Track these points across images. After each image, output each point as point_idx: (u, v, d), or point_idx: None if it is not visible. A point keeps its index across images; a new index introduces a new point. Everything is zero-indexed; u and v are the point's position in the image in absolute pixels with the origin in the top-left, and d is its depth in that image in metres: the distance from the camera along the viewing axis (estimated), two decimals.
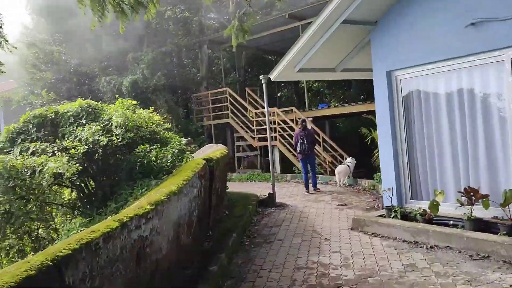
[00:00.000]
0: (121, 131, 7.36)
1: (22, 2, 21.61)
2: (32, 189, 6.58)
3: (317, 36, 8.00)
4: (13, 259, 7.60)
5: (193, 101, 22.20)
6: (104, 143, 7.11)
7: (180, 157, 8.49)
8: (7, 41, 6.01)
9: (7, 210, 6.46)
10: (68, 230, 6.40)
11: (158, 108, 18.51)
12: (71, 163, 6.52)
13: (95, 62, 20.41)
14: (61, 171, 6.34)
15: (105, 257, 3.55)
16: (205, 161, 7.15)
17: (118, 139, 7.30)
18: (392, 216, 7.39)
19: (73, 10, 17.20)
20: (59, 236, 6.75)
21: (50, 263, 2.93)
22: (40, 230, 7.89)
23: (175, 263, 5.24)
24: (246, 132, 18.61)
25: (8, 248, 7.50)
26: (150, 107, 9.83)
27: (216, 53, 24.49)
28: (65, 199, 8.47)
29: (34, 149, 7.05)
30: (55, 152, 7.06)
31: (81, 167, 6.93)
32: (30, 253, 7.67)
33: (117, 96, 12.14)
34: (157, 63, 19.29)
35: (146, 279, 4.33)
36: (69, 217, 7.82)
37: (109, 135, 7.39)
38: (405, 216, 7.28)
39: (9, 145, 7.68)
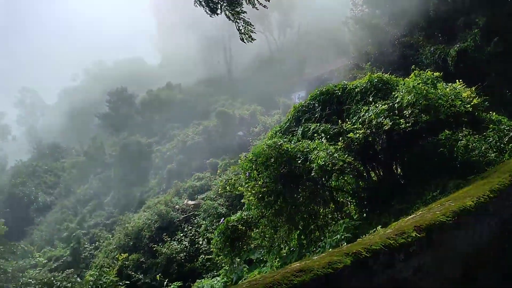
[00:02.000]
0: (412, 112, 5.70)
1: None
2: (308, 175, 5.92)
3: None
4: (304, 241, 7.34)
5: None
6: (388, 127, 5.66)
7: (505, 149, 6.15)
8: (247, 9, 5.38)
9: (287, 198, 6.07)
10: (333, 232, 5.45)
11: (489, 83, 15.31)
12: (339, 154, 5.45)
13: (421, 31, 18.56)
14: (324, 163, 5.38)
15: None
16: None
17: (408, 123, 5.70)
18: None
19: None
20: (327, 232, 5.85)
21: None
22: (328, 216, 7.33)
23: None
24: None
25: (298, 231, 7.29)
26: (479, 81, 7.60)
27: None
28: (359, 187, 7.58)
29: (314, 130, 6.37)
30: (333, 135, 6.15)
31: (358, 156, 5.79)
32: (318, 235, 7.24)
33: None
34: (495, 26, 15.82)
35: None
36: (356, 208, 6.91)
37: (397, 117, 5.86)
38: None
39: (294, 124, 7.30)
